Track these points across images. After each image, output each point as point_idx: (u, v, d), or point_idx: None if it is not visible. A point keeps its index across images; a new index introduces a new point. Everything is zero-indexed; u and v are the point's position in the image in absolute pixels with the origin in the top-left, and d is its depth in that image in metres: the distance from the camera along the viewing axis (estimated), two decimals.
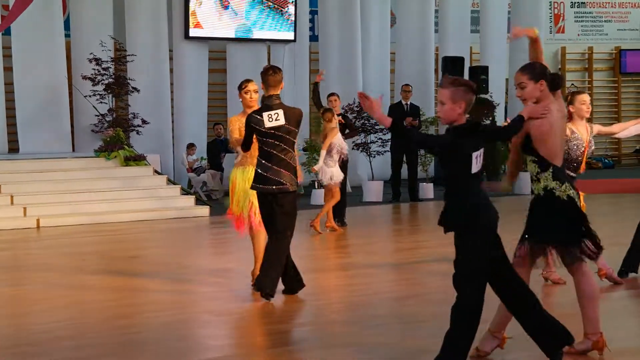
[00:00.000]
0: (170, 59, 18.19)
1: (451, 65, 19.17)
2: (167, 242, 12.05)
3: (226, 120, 19.01)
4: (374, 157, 16.75)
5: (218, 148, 17.70)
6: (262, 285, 7.49)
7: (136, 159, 15.38)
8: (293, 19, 19.23)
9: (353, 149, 16.65)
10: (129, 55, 17.06)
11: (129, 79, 16.83)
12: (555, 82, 5.72)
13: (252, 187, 7.72)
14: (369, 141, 16.70)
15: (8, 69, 16.87)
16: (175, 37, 18.38)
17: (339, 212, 12.59)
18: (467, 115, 5.49)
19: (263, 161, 7.58)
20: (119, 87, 16.70)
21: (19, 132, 16.93)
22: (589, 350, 5.71)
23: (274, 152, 7.55)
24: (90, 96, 16.49)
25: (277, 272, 7.56)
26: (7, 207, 13.56)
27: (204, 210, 14.67)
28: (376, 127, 17.23)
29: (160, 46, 17.90)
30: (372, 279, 8.92)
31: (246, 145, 7.76)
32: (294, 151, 7.66)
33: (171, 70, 18.26)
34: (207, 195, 16.92)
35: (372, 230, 12.90)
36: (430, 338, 6.23)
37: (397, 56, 20.67)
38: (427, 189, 16.87)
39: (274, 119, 7.52)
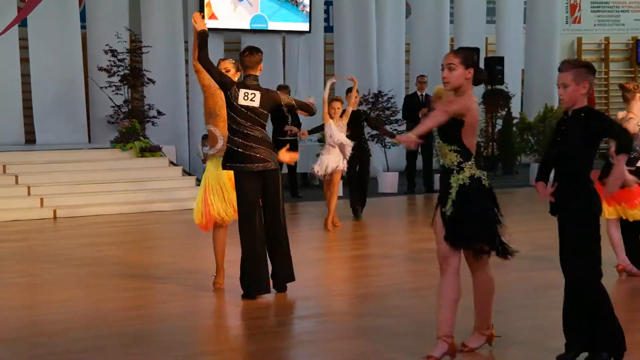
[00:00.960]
0: (186, 50, 18.19)
1: None
2: (182, 233, 12.09)
3: None
4: (389, 148, 16.73)
5: None
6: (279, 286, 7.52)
7: (152, 150, 15.43)
8: (308, 10, 19.21)
9: (368, 140, 16.63)
10: (144, 46, 17.09)
11: (145, 70, 16.86)
12: (479, 75, 5.51)
13: (228, 167, 7.39)
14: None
15: (25, 61, 16.93)
16: (190, 29, 18.34)
17: (354, 204, 12.52)
18: None
19: (235, 138, 7.33)
20: (135, 78, 16.74)
21: (36, 123, 17.00)
22: (483, 345, 5.75)
23: (246, 130, 7.32)
24: (106, 87, 16.53)
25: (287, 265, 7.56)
26: (24, 198, 13.63)
27: None
28: (391, 118, 17.23)
29: (176, 37, 17.92)
30: (387, 270, 8.93)
31: (204, 60, 7.26)
32: (265, 131, 7.47)
33: (186, 62, 18.26)
34: None
35: (387, 222, 12.90)
36: None
37: (412, 47, 20.62)
38: None
39: (249, 98, 7.35)
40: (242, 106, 7.34)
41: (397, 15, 20.46)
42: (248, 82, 7.45)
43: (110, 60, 16.42)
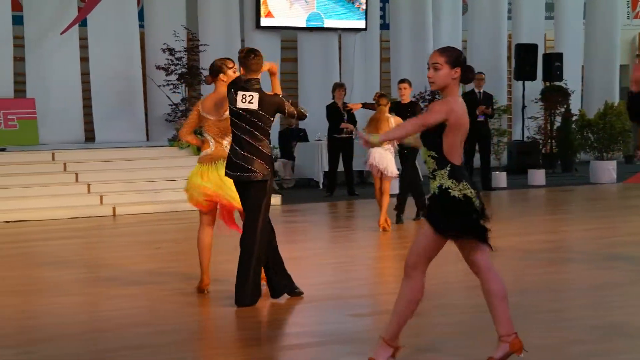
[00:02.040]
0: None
1: (524, 53, 18.92)
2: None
3: None
4: None
5: (289, 137, 17.77)
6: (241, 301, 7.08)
7: None
8: (364, 7, 19.17)
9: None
10: (201, 44, 17.21)
11: (202, 68, 16.98)
12: (467, 74, 5.27)
13: (225, 174, 7.24)
14: None
15: (84, 60, 17.16)
16: (246, 27, 18.50)
17: (398, 207, 12.02)
18: None
19: (233, 145, 7.16)
20: (192, 76, 16.86)
21: (95, 121, 17.23)
22: (508, 354, 5.27)
23: (244, 137, 7.08)
24: (163, 86, 16.68)
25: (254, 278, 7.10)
26: (84, 196, 13.82)
27: (276, 199, 14.71)
28: None
29: (232, 36, 18.02)
30: (442, 269, 8.84)
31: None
32: (267, 140, 7.17)
33: None
34: (278, 184, 16.99)
35: None
36: None
37: (469, 44, 20.46)
38: (500, 178, 16.67)
39: (247, 100, 7.04)
40: (240, 109, 7.08)
41: (454, 11, 20.32)
42: (248, 85, 7.11)
43: (167, 59, 16.57)
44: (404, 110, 11.95)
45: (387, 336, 5.34)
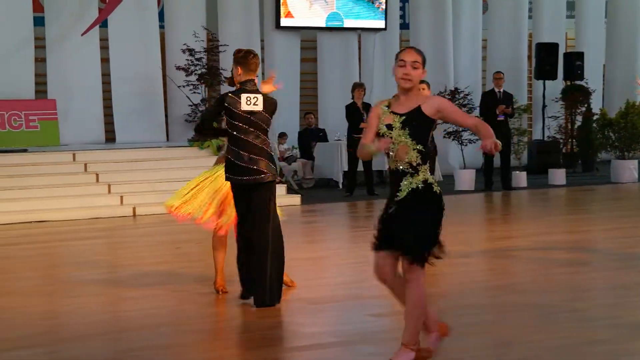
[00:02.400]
0: (262, 48, 18.32)
1: (545, 52, 18.85)
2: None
3: (317, 110, 19.15)
4: (466, 145, 16.57)
5: (309, 137, 17.78)
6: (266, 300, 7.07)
7: None
8: (384, 7, 19.16)
9: (444, 137, 16.52)
10: (221, 45, 17.24)
11: (221, 69, 17.02)
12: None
13: (227, 178, 7.12)
14: (460, 129, 16.53)
15: (105, 60, 17.24)
16: (266, 27, 18.53)
17: None
18: None
19: (235, 149, 7.05)
20: (212, 77, 16.90)
21: (115, 122, 17.31)
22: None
23: (248, 139, 7.02)
24: (183, 86, 16.73)
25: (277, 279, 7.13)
26: (105, 196, 13.88)
27: (296, 199, 14.76)
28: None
29: (252, 36, 18.05)
30: (464, 268, 8.84)
31: (206, 123, 7.15)
32: (267, 138, 7.19)
33: (262, 60, 18.39)
34: (298, 184, 17.01)
35: (464, 219, 12.76)
36: (525, 328, 6.17)
37: (489, 43, 20.40)
38: (520, 178, 16.63)
39: (252, 102, 6.99)
40: (246, 112, 7.01)
41: (474, 11, 20.28)
42: (249, 86, 7.07)
43: (187, 60, 16.62)
44: None
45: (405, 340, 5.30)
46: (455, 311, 6.85)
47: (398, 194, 5.27)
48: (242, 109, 7.02)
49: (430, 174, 5.28)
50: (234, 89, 7.21)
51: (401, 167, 5.24)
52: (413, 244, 5.16)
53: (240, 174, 7.03)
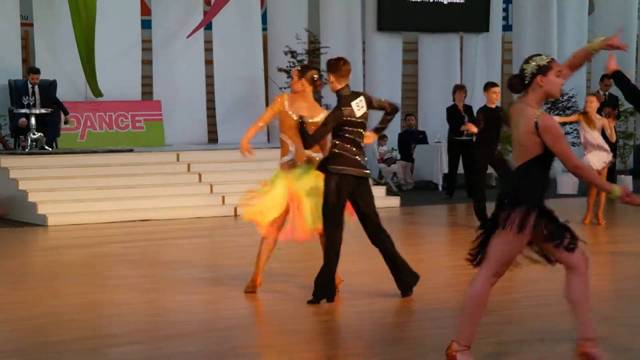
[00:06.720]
0: (363, 50, 18.35)
1: None
2: (357, 232, 12.17)
3: (417, 112, 19.06)
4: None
5: (409, 139, 17.72)
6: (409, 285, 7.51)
7: None
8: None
9: None
10: (322, 47, 17.33)
11: (323, 71, 17.05)
12: None
13: (335, 171, 7.21)
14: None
15: (209, 62, 17.54)
16: (368, 29, 18.55)
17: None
18: None
19: (349, 146, 7.26)
20: None
21: (218, 123, 17.58)
22: None
23: (359, 140, 7.33)
24: (285, 88, 16.87)
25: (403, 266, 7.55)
26: (207, 196, 14.11)
27: (395, 201, 14.73)
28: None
29: (354, 38, 18.10)
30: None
31: (316, 140, 7.32)
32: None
33: (363, 62, 18.42)
34: (397, 186, 16.98)
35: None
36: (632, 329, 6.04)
37: None
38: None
39: (361, 107, 7.26)
40: (360, 117, 7.29)
41: (580, 11, 19.89)
42: (349, 92, 7.32)
43: (289, 61, 16.76)
44: (493, 115, 11.51)
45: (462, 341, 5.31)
46: (558, 316, 6.73)
47: None
48: (357, 116, 7.27)
49: None
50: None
51: None
52: None
53: (354, 165, 7.27)
